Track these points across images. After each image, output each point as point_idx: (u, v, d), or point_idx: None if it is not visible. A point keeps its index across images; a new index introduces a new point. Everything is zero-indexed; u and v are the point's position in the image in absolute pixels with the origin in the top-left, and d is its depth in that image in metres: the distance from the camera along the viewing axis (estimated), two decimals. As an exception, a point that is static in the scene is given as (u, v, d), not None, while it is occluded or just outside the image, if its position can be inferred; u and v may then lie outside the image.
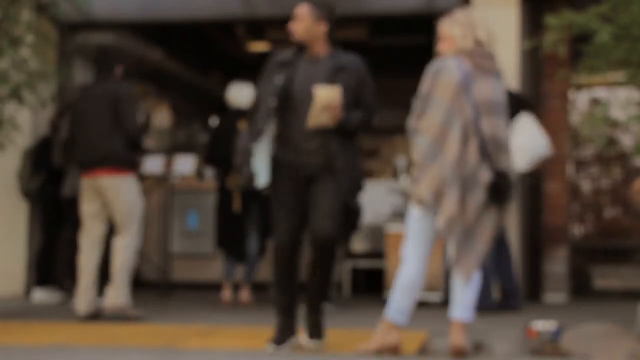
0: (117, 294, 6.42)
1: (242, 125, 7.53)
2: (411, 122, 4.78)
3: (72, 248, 7.60)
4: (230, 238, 7.63)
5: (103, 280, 7.43)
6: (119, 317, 6.38)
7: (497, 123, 4.71)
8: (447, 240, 4.69)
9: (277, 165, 4.96)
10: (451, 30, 4.85)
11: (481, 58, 4.77)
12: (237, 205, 7.53)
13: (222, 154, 7.57)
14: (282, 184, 4.94)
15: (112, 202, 6.49)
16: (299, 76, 4.92)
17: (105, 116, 6.49)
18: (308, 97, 4.80)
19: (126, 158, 6.51)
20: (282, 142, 4.95)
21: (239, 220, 7.57)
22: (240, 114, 7.62)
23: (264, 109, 4.90)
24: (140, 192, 6.67)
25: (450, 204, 4.62)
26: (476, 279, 4.75)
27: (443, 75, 4.69)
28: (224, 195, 7.63)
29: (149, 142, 6.76)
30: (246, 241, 7.62)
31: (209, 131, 7.99)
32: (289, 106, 4.88)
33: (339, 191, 4.86)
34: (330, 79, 4.86)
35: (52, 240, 7.99)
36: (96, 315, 6.43)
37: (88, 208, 6.58)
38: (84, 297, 6.44)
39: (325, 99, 4.72)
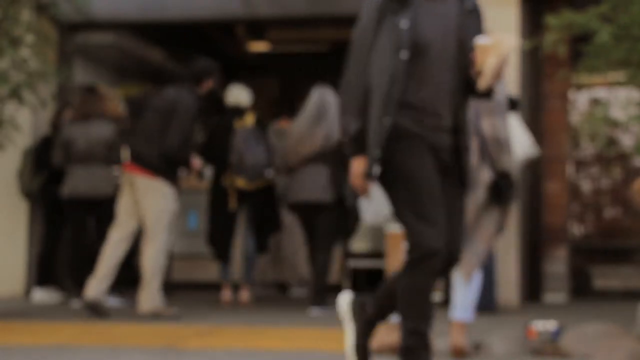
0: (151, 297, 6.53)
1: (239, 124, 7.56)
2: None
3: (72, 248, 7.63)
4: (219, 238, 7.64)
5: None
6: (156, 318, 6.47)
7: (497, 123, 4.71)
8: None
9: (410, 140, 3.61)
10: None
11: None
12: (232, 203, 7.54)
13: (218, 152, 7.59)
14: (421, 164, 3.59)
15: (141, 202, 6.57)
16: (423, 18, 3.67)
17: (157, 120, 6.59)
18: (440, 48, 3.65)
19: (160, 165, 6.58)
20: (409, 109, 3.64)
21: (231, 219, 7.59)
22: (237, 112, 7.66)
23: (389, 65, 3.60)
24: (174, 199, 6.71)
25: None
26: (477, 279, 4.75)
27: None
28: (218, 194, 7.64)
29: (196, 161, 6.83)
30: (232, 242, 7.63)
31: (206, 129, 7.99)
32: (415, 60, 3.62)
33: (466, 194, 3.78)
34: (463, 25, 3.73)
35: (53, 240, 7.99)
36: (97, 307, 6.49)
37: (123, 202, 6.68)
38: (95, 285, 6.51)
39: (506, 52, 3.57)
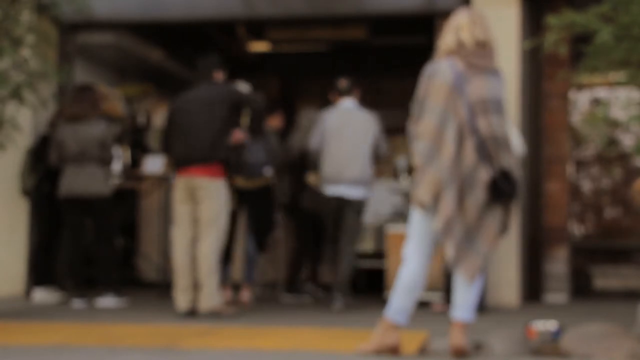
0: (210, 297, 6.56)
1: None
2: (410, 126, 4.79)
3: (72, 248, 7.62)
4: None
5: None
6: (214, 317, 6.51)
7: (493, 121, 4.69)
8: (445, 241, 4.68)
9: None
10: (444, 32, 4.89)
11: (474, 57, 4.76)
12: (233, 203, 7.56)
13: None
14: None
15: (202, 202, 6.60)
16: None
17: (210, 120, 6.63)
18: None
19: (224, 162, 6.66)
20: None
21: (232, 220, 7.60)
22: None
23: None
24: (228, 199, 6.78)
25: (446, 205, 4.61)
26: (479, 280, 4.74)
27: (436, 78, 4.71)
28: None
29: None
30: (233, 242, 7.65)
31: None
32: None
33: None
34: None
35: (51, 239, 7.99)
36: (193, 313, 6.59)
37: (181, 208, 6.71)
38: (182, 297, 6.59)
39: None
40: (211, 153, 6.61)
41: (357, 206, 7.49)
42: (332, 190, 7.45)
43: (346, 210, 7.46)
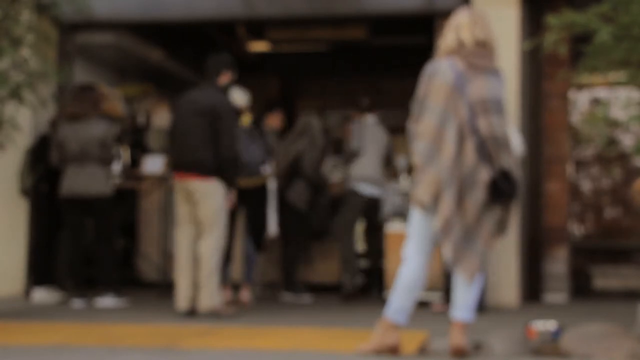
0: (210, 297, 6.57)
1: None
2: (410, 126, 4.79)
3: (72, 248, 7.62)
4: None
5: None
6: (214, 317, 6.51)
7: (493, 121, 4.69)
8: (444, 241, 4.68)
9: None
10: (444, 31, 4.89)
11: (474, 56, 4.76)
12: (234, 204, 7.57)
13: None
14: None
15: (199, 204, 6.63)
16: None
17: (203, 127, 6.65)
18: None
19: (216, 168, 6.66)
20: None
21: (231, 219, 7.60)
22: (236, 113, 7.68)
23: None
24: (225, 200, 6.77)
25: (446, 205, 4.61)
26: (479, 280, 4.74)
27: (436, 77, 4.71)
28: None
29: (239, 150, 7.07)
30: (232, 242, 7.65)
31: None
32: None
33: None
34: None
35: (51, 239, 7.98)
36: (194, 312, 6.60)
37: (182, 209, 6.76)
38: (183, 295, 6.61)
39: None
40: (201, 160, 6.62)
41: (378, 204, 8.37)
42: (368, 190, 8.31)
43: (374, 208, 8.36)
